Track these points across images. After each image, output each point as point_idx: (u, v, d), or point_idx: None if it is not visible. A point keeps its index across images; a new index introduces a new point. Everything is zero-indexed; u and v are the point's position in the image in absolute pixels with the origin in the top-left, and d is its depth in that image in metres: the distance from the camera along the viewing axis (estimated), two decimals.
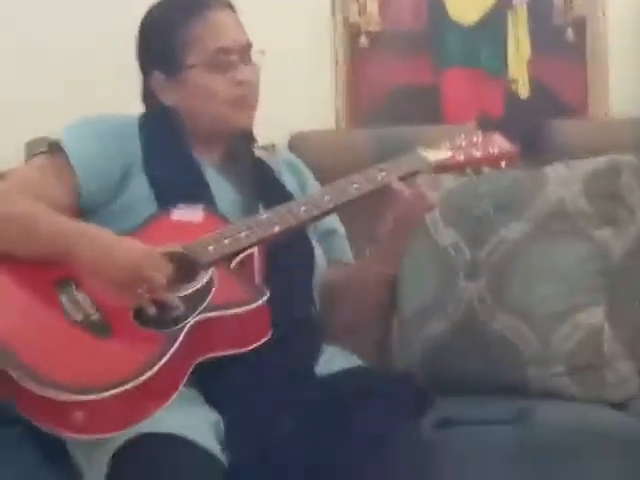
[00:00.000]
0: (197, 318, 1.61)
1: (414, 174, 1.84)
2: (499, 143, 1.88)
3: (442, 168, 1.85)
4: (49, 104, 2.48)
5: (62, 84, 2.51)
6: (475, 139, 1.88)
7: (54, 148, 1.83)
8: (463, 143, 1.88)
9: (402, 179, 1.81)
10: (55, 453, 1.71)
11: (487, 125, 2.54)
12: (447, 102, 2.72)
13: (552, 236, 2.16)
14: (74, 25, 2.52)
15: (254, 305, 1.63)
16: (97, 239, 1.67)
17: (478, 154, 1.86)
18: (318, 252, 1.94)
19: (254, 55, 1.91)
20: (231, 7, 1.93)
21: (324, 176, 2.10)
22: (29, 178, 1.81)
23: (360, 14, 2.66)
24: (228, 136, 1.92)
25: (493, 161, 1.86)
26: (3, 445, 1.90)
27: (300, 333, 1.79)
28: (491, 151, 1.87)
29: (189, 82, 1.88)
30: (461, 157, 1.85)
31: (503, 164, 1.87)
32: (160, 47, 1.90)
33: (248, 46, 1.91)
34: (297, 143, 2.50)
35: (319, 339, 1.88)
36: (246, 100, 1.89)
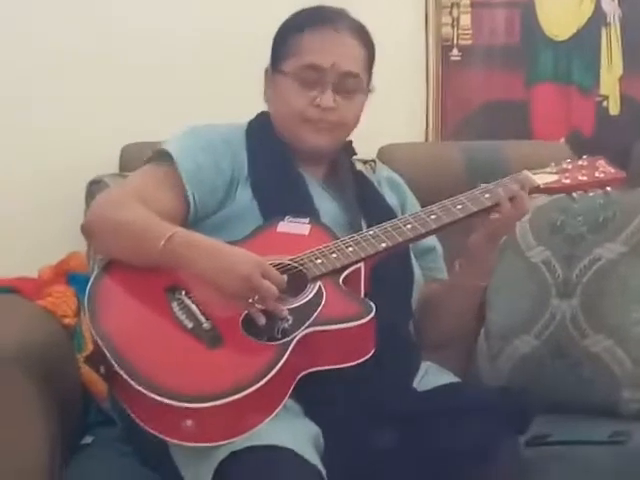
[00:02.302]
0: (305, 331, 1.62)
1: None
2: (605, 168, 1.89)
3: (548, 191, 1.86)
4: (144, 109, 2.50)
5: (157, 88, 2.52)
6: (581, 163, 1.89)
7: (165, 157, 1.85)
8: (569, 167, 1.88)
9: (510, 200, 1.81)
10: (154, 456, 1.73)
11: (577, 142, 2.55)
12: (537, 118, 2.71)
13: None
14: (172, 31, 2.53)
15: (363, 321, 1.63)
16: (210, 247, 1.69)
17: (585, 179, 1.87)
18: (416, 269, 1.95)
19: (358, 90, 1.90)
20: (354, 33, 1.91)
21: (413, 188, 2.11)
22: (141, 187, 1.83)
23: (453, 27, 2.66)
24: (304, 149, 1.92)
25: (599, 186, 1.87)
26: (103, 445, 1.94)
27: (400, 349, 1.80)
28: (597, 176, 1.87)
29: (279, 86, 1.91)
30: (567, 181, 1.86)
31: (609, 188, 1.87)
32: (276, 45, 1.94)
33: (350, 76, 1.89)
34: (386, 155, 2.49)
35: (417, 355, 1.89)
36: (319, 124, 1.89)
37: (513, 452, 1.71)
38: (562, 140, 2.66)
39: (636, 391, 2.08)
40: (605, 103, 2.73)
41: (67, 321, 2.17)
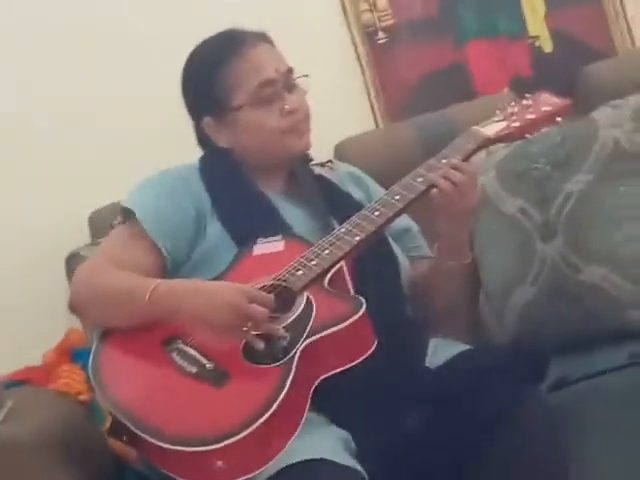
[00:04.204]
0: (305, 343, 1.64)
1: (475, 152, 1.86)
2: (549, 100, 1.89)
3: (502, 139, 1.88)
4: (102, 173, 2.50)
5: (112, 151, 2.53)
6: (525, 102, 1.90)
7: (128, 214, 1.87)
8: (515, 110, 1.89)
9: (466, 159, 1.83)
10: None
11: (520, 87, 2.56)
12: (476, 76, 2.72)
13: (617, 178, 2.16)
14: (125, 87, 2.53)
15: (355, 317, 1.65)
16: (193, 289, 1.72)
17: (533, 116, 1.87)
18: (398, 252, 1.97)
19: (297, 80, 1.95)
20: (266, 39, 1.96)
21: (377, 177, 2.13)
22: (113, 251, 1.86)
23: (372, 12, 2.68)
24: (287, 163, 1.96)
25: (548, 119, 1.88)
26: None
27: (402, 333, 1.82)
28: (544, 109, 1.88)
29: (240, 122, 1.92)
30: (517, 124, 1.87)
31: (559, 119, 1.88)
32: (204, 93, 1.93)
33: (289, 72, 1.94)
34: (342, 151, 2.51)
35: (422, 335, 1.91)
36: (299, 126, 1.93)
37: (539, 401, 1.72)
38: (505, 90, 2.68)
39: None
40: (537, 43, 2.74)
41: (82, 397, 2.18)
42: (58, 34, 2.49)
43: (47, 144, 2.49)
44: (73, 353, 2.35)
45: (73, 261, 2.32)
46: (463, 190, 1.80)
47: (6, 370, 2.27)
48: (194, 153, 2.03)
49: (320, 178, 2.03)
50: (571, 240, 2.16)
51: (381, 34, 2.68)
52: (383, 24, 2.68)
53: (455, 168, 1.80)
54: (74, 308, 1.83)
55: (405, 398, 1.71)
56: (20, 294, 2.48)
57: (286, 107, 1.90)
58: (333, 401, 1.68)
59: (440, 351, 1.88)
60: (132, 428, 1.60)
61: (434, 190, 1.80)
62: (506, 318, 2.22)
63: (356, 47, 2.68)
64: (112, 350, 1.74)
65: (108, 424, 1.70)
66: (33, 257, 2.47)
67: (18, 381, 2.25)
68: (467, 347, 1.89)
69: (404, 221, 2.02)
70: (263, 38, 1.96)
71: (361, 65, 2.69)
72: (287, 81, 1.93)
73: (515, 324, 2.21)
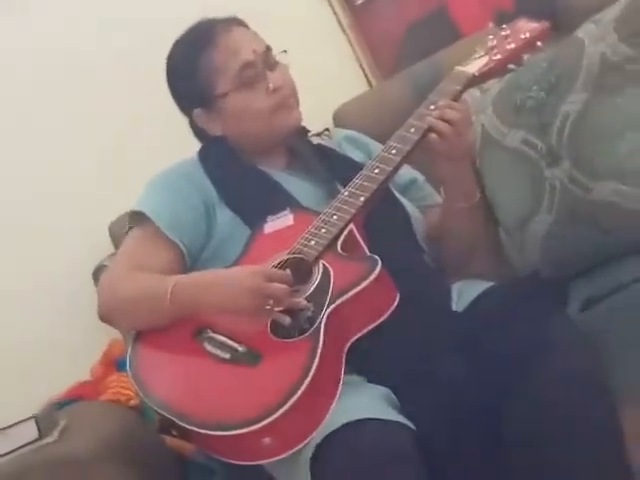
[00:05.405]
0: (329, 310, 1.66)
1: (462, 92, 1.87)
2: (527, 26, 1.90)
3: (486, 75, 1.88)
4: (111, 182, 2.55)
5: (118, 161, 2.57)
6: (503, 33, 1.91)
7: (141, 218, 1.91)
8: (494, 43, 1.90)
9: (455, 100, 1.84)
10: None
11: (505, 21, 2.55)
12: (459, 18, 2.71)
13: (612, 91, 2.13)
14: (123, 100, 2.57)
15: (372, 276, 1.68)
16: (210, 281, 1.75)
17: (513, 45, 1.88)
18: (407, 204, 1.99)
19: (278, 56, 1.97)
20: (239, 22, 1.99)
21: (380, 136, 2.13)
22: (132, 255, 1.90)
23: None
24: (283, 139, 1.98)
25: (529, 45, 1.88)
26: None
27: (423, 282, 1.84)
28: (523, 37, 1.89)
29: (228, 108, 1.95)
30: (498, 56, 1.88)
31: (539, 44, 1.88)
32: (189, 88, 1.97)
33: (268, 51, 1.96)
34: (341, 118, 2.51)
35: (444, 280, 1.93)
36: (286, 102, 1.95)
37: (566, 326, 1.72)
38: (490, 24, 2.66)
39: None
40: None
41: (133, 403, 2.22)
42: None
43: (58, 161, 2.54)
44: (118, 363, 2.41)
45: (100, 273, 2.34)
46: (460, 129, 1.81)
47: (61, 389, 2.34)
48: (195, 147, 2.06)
49: (319, 147, 2.05)
50: (576, 160, 2.15)
51: None
52: None
53: (448, 108, 1.82)
54: (103, 318, 1.87)
55: (436, 345, 1.73)
56: (58, 315, 2.53)
57: (270, 86, 1.93)
58: (368, 360, 1.71)
59: (466, 293, 1.89)
60: (178, 422, 1.63)
61: (432, 135, 1.81)
62: (527, 249, 2.23)
63: (335, 12, 2.69)
64: (146, 350, 1.77)
65: (157, 423, 1.74)
66: (64, 277, 2.53)
67: (72, 398, 2.32)
68: (488, 285, 1.90)
69: (408, 173, 2.05)
70: (235, 22, 1.98)
71: (344, 29, 2.70)
72: (267, 60, 1.95)
73: (537, 254, 2.21)
